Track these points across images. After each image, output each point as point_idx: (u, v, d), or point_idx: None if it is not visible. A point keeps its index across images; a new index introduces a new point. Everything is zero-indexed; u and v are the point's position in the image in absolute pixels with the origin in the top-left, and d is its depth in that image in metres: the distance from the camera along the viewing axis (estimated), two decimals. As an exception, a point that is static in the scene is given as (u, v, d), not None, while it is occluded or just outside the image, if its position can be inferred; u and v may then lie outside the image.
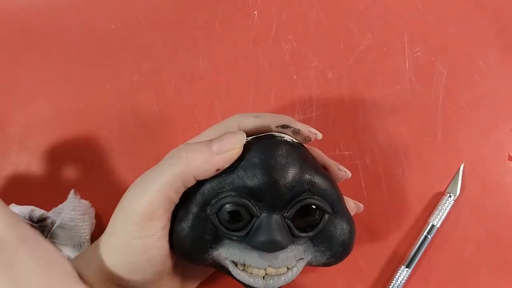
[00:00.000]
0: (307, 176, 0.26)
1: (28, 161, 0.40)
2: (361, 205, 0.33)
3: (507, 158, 0.39)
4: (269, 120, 0.28)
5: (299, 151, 0.27)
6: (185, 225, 0.26)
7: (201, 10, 0.42)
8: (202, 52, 0.42)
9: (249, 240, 0.25)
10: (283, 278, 0.26)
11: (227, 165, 0.25)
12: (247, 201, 0.25)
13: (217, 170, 0.25)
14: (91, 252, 0.27)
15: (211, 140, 0.26)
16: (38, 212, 0.35)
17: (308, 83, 0.41)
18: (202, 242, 0.26)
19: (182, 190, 0.26)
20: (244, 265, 0.26)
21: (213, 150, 0.25)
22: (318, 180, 0.26)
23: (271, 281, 0.26)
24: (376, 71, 0.41)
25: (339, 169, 0.30)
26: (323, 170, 0.28)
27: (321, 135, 0.29)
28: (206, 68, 0.41)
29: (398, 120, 0.40)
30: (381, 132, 0.40)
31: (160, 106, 0.41)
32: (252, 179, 0.25)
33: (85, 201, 0.36)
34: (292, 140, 0.28)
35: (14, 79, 0.41)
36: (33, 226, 0.34)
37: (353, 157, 0.39)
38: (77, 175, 0.39)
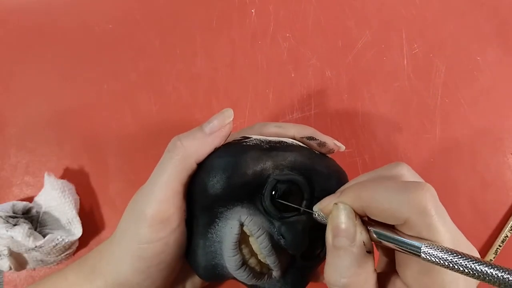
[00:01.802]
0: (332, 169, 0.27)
1: (27, 162, 0.39)
2: (343, 146, 0.31)
3: (506, 154, 0.39)
4: (292, 130, 0.28)
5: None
6: (240, 162, 0.24)
7: (198, 9, 0.42)
8: (199, 51, 0.41)
9: (281, 224, 0.25)
10: (253, 277, 0.26)
11: (222, 142, 0.26)
12: (309, 195, 0.25)
13: (215, 148, 0.26)
14: (99, 260, 0.27)
15: (201, 125, 0.26)
16: (20, 205, 0.35)
17: (307, 81, 0.41)
18: (243, 188, 0.25)
19: (186, 179, 0.25)
20: (244, 241, 0.25)
21: (205, 132, 0.25)
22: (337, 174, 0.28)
23: (244, 271, 0.25)
24: (374, 68, 0.41)
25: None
26: None
27: (344, 147, 0.29)
28: (204, 66, 0.41)
29: (397, 117, 0.40)
30: (380, 130, 0.40)
31: (158, 105, 0.40)
32: (323, 182, 0.25)
33: (61, 180, 0.37)
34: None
35: (12, 80, 0.41)
36: (18, 219, 0.34)
37: (352, 155, 0.39)
38: (76, 175, 0.39)
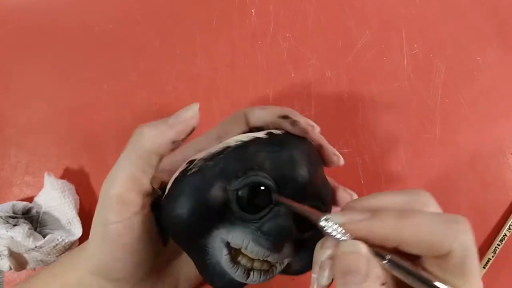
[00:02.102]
0: (324, 185, 0.27)
1: (27, 162, 0.39)
2: (355, 194, 0.32)
3: (506, 154, 0.39)
4: (275, 110, 0.28)
5: (319, 155, 0.29)
6: (197, 195, 0.24)
7: (198, 8, 0.42)
8: (199, 51, 0.41)
9: (261, 224, 0.25)
10: (264, 275, 0.26)
11: (183, 136, 0.26)
12: (274, 186, 0.25)
13: (173, 142, 0.26)
14: (79, 251, 0.29)
15: (167, 117, 0.26)
16: (20, 205, 0.35)
17: (306, 81, 0.41)
18: (209, 216, 0.25)
19: (149, 170, 0.26)
20: (239, 253, 0.25)
21: (168, 124, 0.26)
22: (328, 192, 0.28)
23: (253, 276, 0.25)
24: (374, 68, 0.41)
25: (334, 153, 0.29)
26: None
27: (319, 128, 0.28)
28: (204, 66, 0.41)
29: (397, 117, 0.40)
30: (380, 130, 0.40)
31: (158, 105, 0.40)
32: (283, 167, 0.25)
33: (61, 180, 0.37)
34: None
35: (12, 80, 0.41)
36: (18, 219, 0.34)
37: (352, 155, 0.39)
38: (76, 175, 0.39)
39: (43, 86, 0.41)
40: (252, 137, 0.26)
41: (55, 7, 0.43)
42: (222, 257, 0.25)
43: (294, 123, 0.27)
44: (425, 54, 0.41)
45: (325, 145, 0.29)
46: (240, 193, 0.25)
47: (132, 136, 0.26)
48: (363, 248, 0.20)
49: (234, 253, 0.25)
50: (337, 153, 0.30)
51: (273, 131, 0.27)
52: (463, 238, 0.19)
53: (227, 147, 0.26)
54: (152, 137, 0.25)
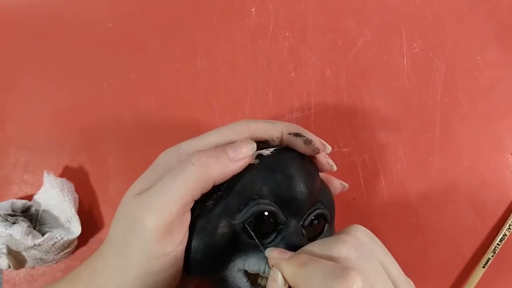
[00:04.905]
0: (321, 186, 0.28)
1: (26, 160, 0.39)
2: (346, 184, 0.32)
3: (506, 154, 0.39)
4: (281, 126, 0.28)
5: (313, 163, 0.29)
6: (206, 238, 0.25)
7: (198, 8, 0.42)
8: (199, 50, 0.41)
9: (274, 247, 0.25)
10: None
11: (239, 171, 0.26)
12: (277, 209, 0.25)
13: (232, 175, 0.25)
14: (95, 277, 0.25)
15: (224, 147, 0.26)
16: (19, 203, 0.35)
17: (306, 80, 0.41)
18: (222, 254, 0.25)
19: (198, 197, 0.25)
20: (257, 275, 0.26)
21: (229, 156, 0.25)
22: (326, 191, 0.29)
23: None
24: (374, 68, 0.41)
25: (328, 162, 0.29)
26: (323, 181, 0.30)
27: (330, 148, 0.28)
28: (204, 66, 0.41)
29: (396, 116, 0.40)
30: (379, 129, 0.40)
31: (158, 104, 0.40)
32: (283, 189, 0.25)
33: (60, 178, 0.37)
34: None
35: (11, 78, 0.41)
36: (17, 217, 0.34)
37: (352, 154, 0.39)
38: (75, 173, 0.39)
39: (43, 85, 0.41)
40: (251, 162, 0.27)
41: (55, 6, 0.43)
42: (243, 284, 0.26)
43: (308, 142, 0.27)
44: (425, 54, 0.41)
45: (321, 158, 0.29)
46: (246, 224, 0.25)
47: (187, 162, 0.24)
48: (280, 279, 0.22)
49: (254, 277, 0.26)
50: (331, 161, 0.30)
51: (262, 152, 0.27)
52: None
53: (223, 182, 0.26)
54: (214, 166, 0.24)
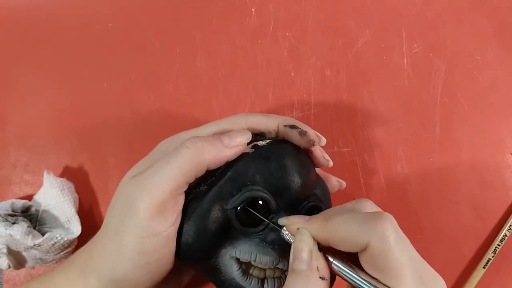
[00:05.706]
0: (317, 180, 0.28)
1: (26, 160, 0.39)
2: (344, 182, 0.33)
3: (506, 154, 0.39)
4: (277, 120, 0.29)
5: (308, 157, 0.29)
6: (198, 221, 0.25)
7: (198, 8, 0.42)
8: (199, 50, 0.41)
9: (265, 235, 0.25)
10: (278, 281, 0.26)
11: (232, 158, 0.26)
12: (269, 197, 0.26)
13: (226, 162, 0.26)
14: (89, 258, 0.26)
15: (220, 135, 0.26)
16: (19, 203, 0.35)
17: (306, 80, 0.41)
18: (213, 239, 0.25)
19: (191, 180, 0.25)
20: (249, 265, 0.26)
21: (224, 143, 0.26)
22: (322, 186, 0.29)
23: (268, 285, 0.26)
24: (374, 68, 0.41)
25: (323, 157, 0.30)
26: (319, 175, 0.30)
27: (325, 140, 0.29)
28: (204, 66, 0.41)
29: (396, 116, 0.40)
30: (379, 129, 0.40)
31: (158, 104, 0.41)
32: (276, 177, 0.26)
33: (60, 178, 0.37)
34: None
35: (12, 78, 0.41)
36: (17, 217, 0.34)
37: (352, 154, 0.39)
38: (75, 173, 0.39)
39: (43, 85, 0.41)
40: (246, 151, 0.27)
41: (55, 6, 0.43)
42: (234, 272, 0.26)
43: (303, 133, 0.28)
44: (425, 54, 0.41)
45: (315, 149, 0.29)
46: (238, 210, 0.25)
47: (182, 146, 0.25)
48: (308, 238, 0.22)
49: (246, 266, 0.26)
50: (327, 156, 0.30)
51: (258, 143, 0.28)
52: (380, 231, 0.20)
53: (217, 169, 0.26)
54: (209, 151, 0.25)
